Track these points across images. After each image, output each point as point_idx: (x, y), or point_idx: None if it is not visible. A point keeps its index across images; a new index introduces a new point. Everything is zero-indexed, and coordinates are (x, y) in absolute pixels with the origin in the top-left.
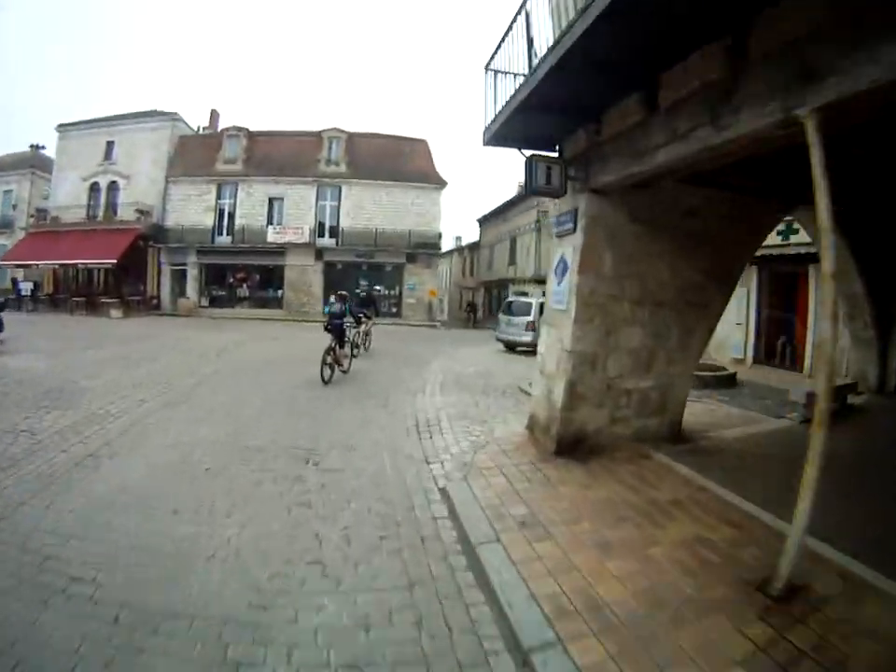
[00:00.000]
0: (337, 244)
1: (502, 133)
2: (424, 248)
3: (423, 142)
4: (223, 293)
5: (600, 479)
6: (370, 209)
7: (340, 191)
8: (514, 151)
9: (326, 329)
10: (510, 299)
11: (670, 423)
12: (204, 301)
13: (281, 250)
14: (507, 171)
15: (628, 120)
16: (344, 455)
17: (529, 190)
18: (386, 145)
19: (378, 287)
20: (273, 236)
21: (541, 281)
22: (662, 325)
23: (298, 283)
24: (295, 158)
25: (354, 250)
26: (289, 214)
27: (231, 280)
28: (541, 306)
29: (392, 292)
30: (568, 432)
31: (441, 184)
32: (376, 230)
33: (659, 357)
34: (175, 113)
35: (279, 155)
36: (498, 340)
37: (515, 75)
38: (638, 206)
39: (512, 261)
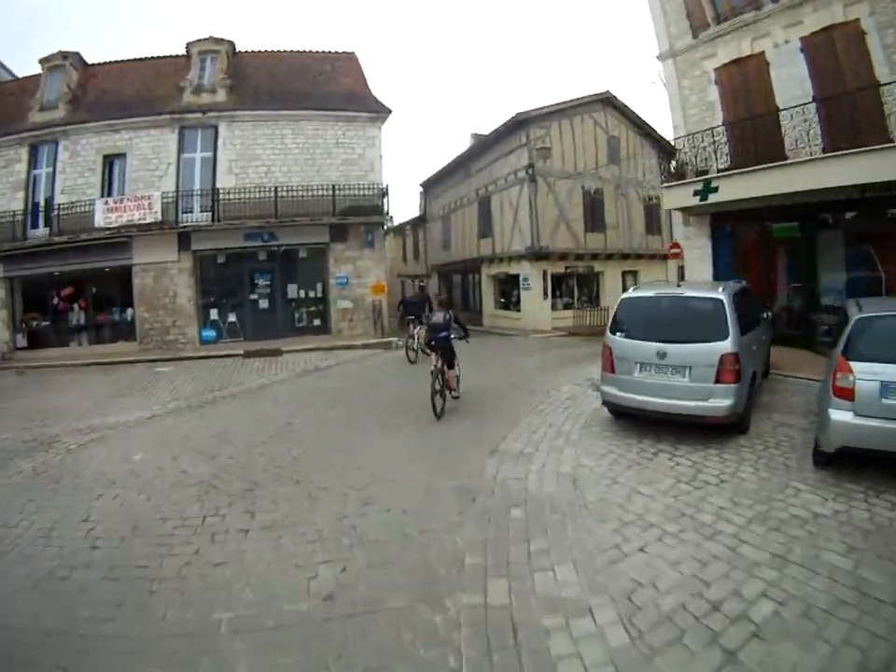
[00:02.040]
0: (213, 219)
1: None
2: (359, 215)
3: (350, 56)
4: (48, 323)
5: None
6: (266, 158)
7: (216, 134)
8: None
9: (429, 345)
10: (638, 293)
11: None
12: (21, 340)
13: (123, 239)
14: (444, 126)
15: None
16: None
17: None
18: (292, 61)
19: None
20: (103, 216)
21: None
22: None
23: (153, 293)
24: (148, 90)
25: (242, 229)
26: (135, 178)
27: (56, 300)
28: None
29: (311, 294)
30: None
31: (380, 112)
32: (277, 191)
33: None
34: None
35: (125, 90)
36: (611, 404)
37: None
38: None
39: (486, 232)
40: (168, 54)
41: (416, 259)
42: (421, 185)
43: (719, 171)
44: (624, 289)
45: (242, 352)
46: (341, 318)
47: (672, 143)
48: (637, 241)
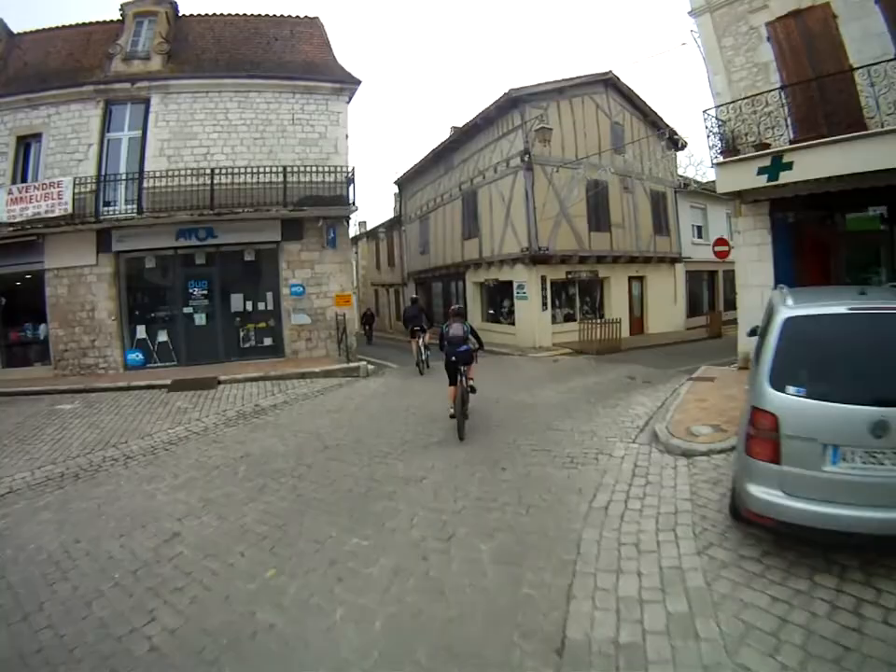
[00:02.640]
0: (139, 211)
1: None
2: (319, 205)
3: (312, 21)
4: None
5: None
6: (206, 137)
7: (147, 109)
8: None
9: (449, 362)
10: (816, 309)
11: None
12: None
13: (32, 238)
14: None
15: None
16: None
17: None
18: (245, 25)
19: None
20: (6, 209)
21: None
22: None
23: (68, 306)
24: (75, 61)
25: (172, 225)
26: (50, 162)
27: None
28: None
29: (259, 307)
30: None
31: (347, 83)
32: (214, 174)
33: None
34: None
35: (49, 61)
36: (765, 519)
37: None
38: None
39: (472, 232)
40: (102, 20)
41: (391, 266)
42: (396, 182)
43: (791, 142)
44: (631, 297)
45: (169, 381)
46: (296, 337)
47: (709, 116)
48: (645, 242)
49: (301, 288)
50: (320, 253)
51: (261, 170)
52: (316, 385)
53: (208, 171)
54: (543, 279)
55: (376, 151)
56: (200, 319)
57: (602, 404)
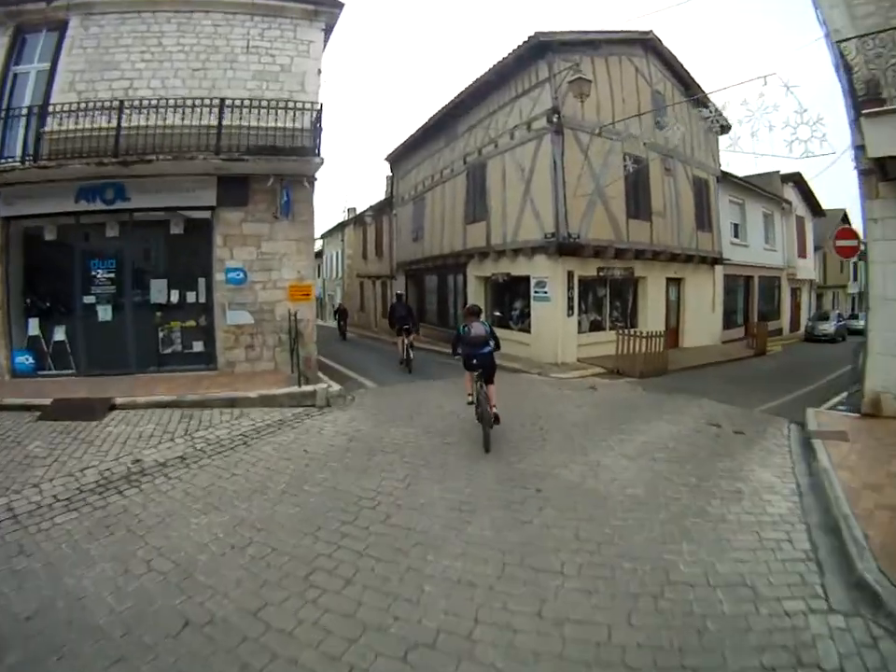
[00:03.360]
0: (34, 159)
1: None
2: (277, 156)
3: None
4: None
5: None
6: (130, 67)
7: (63, 34)
8: None
9: (470, 365)
10: None
11: None
12: None
13: None
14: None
15: None
16: None
17: None
18: None
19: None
20: None
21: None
22: None
23: None
24: None
25: (73, 182)
26: None
27: None
28: None
29: (188, 298)
30: None
31: (324, 5)
32: (122, 107)
33: None
34: None
35: None
36: None
37: None
38: None
39: (478, 215)
40: None
41: (379, 255)
42: (387, 159)
43: None
44: (668, 302)
45: (49, 402)
46: (232, 343)
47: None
48: (687, 237)
49: (242, 274)
50: (271, 226)
51: (195, 105)
52: (246, 420)
53: (116, 105)
54: (570, 275)
55: (370, 131)
56: (105, 313)
57: (711, 491)
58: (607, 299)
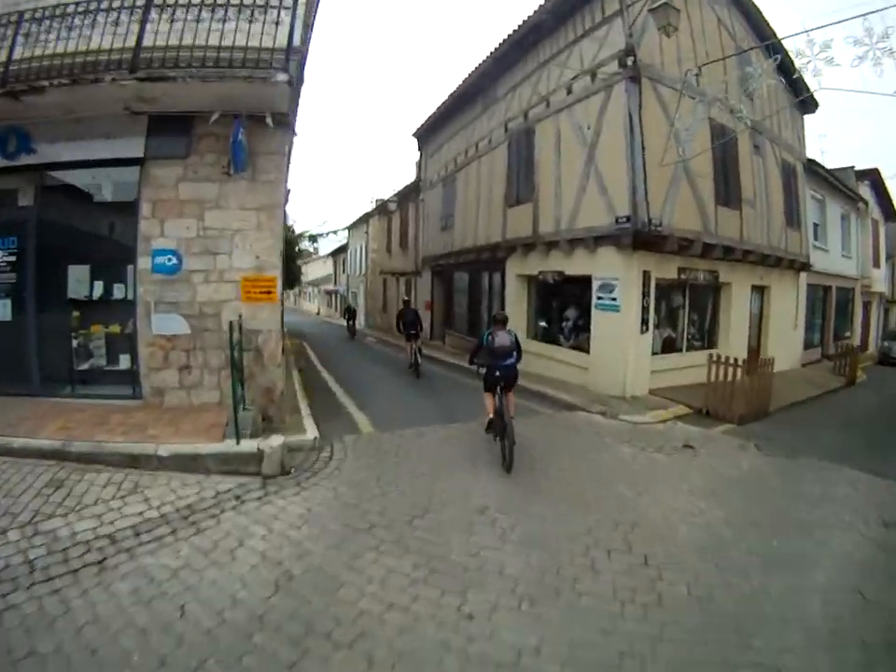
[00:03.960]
0: None
1: None
2: (219, 70)
3: None
4: None
5: None
6: None
7: None
8: None
9: (494, 377)
10: None
11: None
12: None
13: None
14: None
15: None
16: None
17: None
18: None
19: None
20: None
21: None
22: None
23: None
24: None
25: None
26: None
27: None
28: None
29: (116, 292)
30: None
31: None
32: (32, 18)
33: None
34: None
35: None
36: None
37: None
38: None
39: (522, 195)
40: None
41: (403, 249)
42: (415, 135)
43: None
44: (753, 316)
45: None
46: (160, 361)
47: None
48: (776, 235)
49: (175, 260)
50: (219, 187)
51: (110, 7)
52: (133, 506)
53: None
54: (646, 277)
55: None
56: (2, 310)
57: None
58: (684, 311)
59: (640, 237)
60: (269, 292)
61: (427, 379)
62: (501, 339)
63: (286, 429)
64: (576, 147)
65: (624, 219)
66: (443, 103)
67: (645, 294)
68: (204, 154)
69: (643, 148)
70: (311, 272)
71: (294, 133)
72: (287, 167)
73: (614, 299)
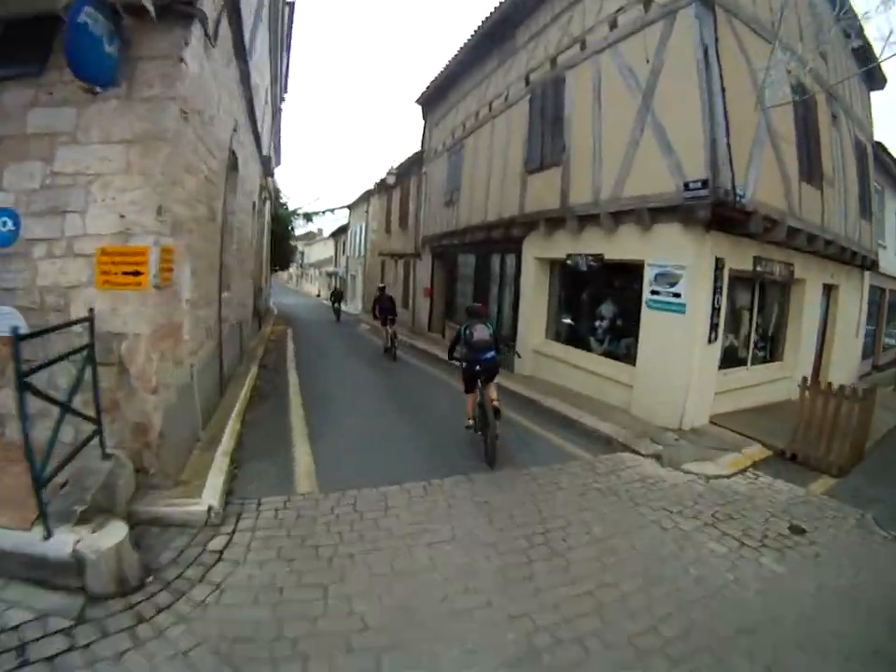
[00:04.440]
0: None
1: None
2: None
3: None
4: None
5: None
6: None
7: None
8: None
9: (474, 372)
10: None
11: None
12: None
13: None
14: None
15: None
16: None
17: None
18: None
19: None
20: None
21: None
22: None
23: None
24: None
25: None
26: None
27: None
28: None
29: None
30: None
31: None
32: None
33: None
34: None
35: None
36: None
37: None
38: None
39: (547, 159)
40: None
41: (403, 228)
42: (419, 101)
43: None
44: (826, 320)
45: None
46: None
47: None
48: (852, 224)
49: (12, 223)
50: (79, 112)
51: None
52: None
53: None
54: (719, 267)
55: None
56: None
57: None
58: (753, 313)
59: (720, 211)
60: (136, 273)
61: (414, 379)
62: (480, 333)
63: (170, 487)
64: (624, 94)
65: (699, 184)
66: (451, 60)
67: (717, 290)
68: (65, 68)
69: (724, 90)
70: (314, 253)
71: (206, 26)
72: (211, 88)
73: (678, 294)
